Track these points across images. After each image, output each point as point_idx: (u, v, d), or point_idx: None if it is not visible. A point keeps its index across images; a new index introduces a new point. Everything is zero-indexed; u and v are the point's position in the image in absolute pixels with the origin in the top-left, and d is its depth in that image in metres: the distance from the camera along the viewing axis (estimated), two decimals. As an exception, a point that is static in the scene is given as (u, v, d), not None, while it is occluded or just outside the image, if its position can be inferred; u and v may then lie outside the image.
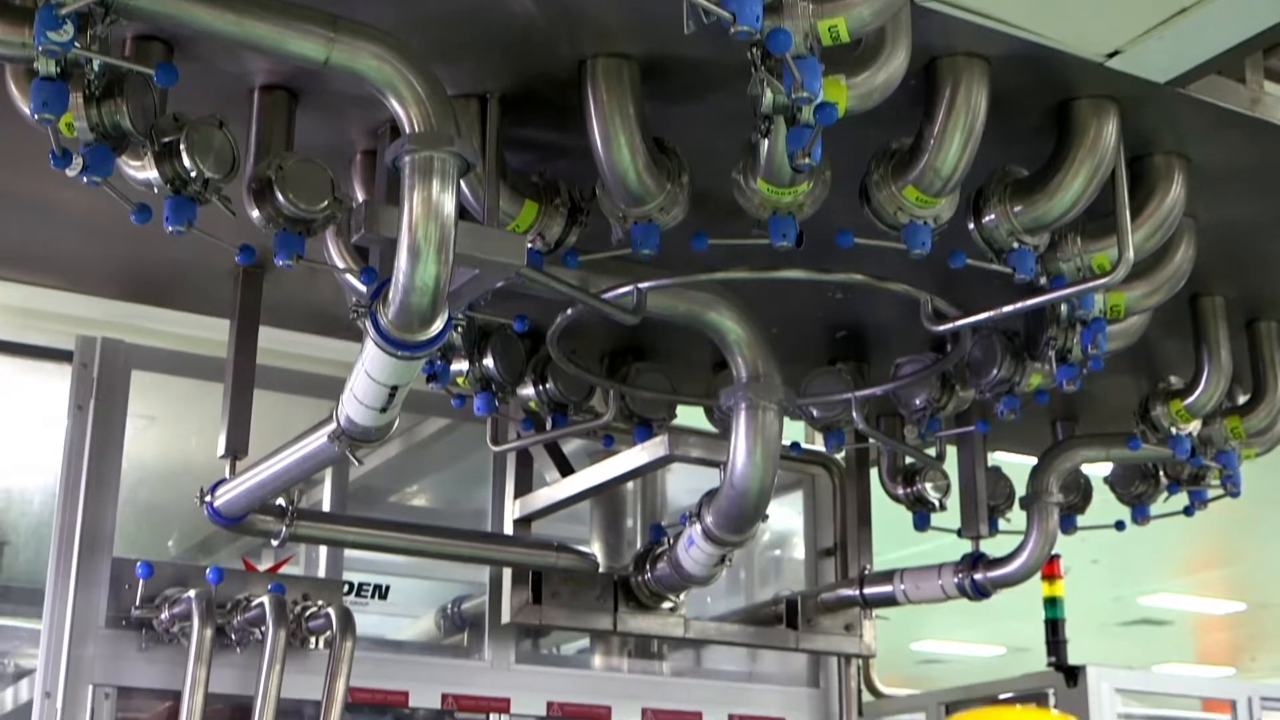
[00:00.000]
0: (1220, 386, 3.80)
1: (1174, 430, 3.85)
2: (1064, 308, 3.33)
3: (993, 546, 4.22)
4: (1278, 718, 5.77)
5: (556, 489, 4.06)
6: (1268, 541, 10.63)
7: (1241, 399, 4.07)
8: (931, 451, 4.18)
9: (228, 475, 3.53)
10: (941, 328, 3.17)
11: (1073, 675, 4.78)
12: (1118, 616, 13.12)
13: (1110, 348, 3.41)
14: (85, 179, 2.49)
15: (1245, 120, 2.94)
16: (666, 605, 4.17)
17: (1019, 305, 3.11)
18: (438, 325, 2.49)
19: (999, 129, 2.80)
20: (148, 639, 3.71)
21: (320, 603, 3.80)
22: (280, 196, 2.64)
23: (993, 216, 2.96)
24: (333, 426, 2.93)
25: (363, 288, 2.92)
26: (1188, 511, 4.54)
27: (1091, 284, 3.08)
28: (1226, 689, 5.84)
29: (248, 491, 3.46)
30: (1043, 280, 3.10)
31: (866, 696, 4.92)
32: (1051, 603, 4.80)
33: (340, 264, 3.15)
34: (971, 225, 2.99)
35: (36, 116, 2.35)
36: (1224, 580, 12.45)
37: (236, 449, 3.53)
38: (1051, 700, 4.92)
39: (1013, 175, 2.99)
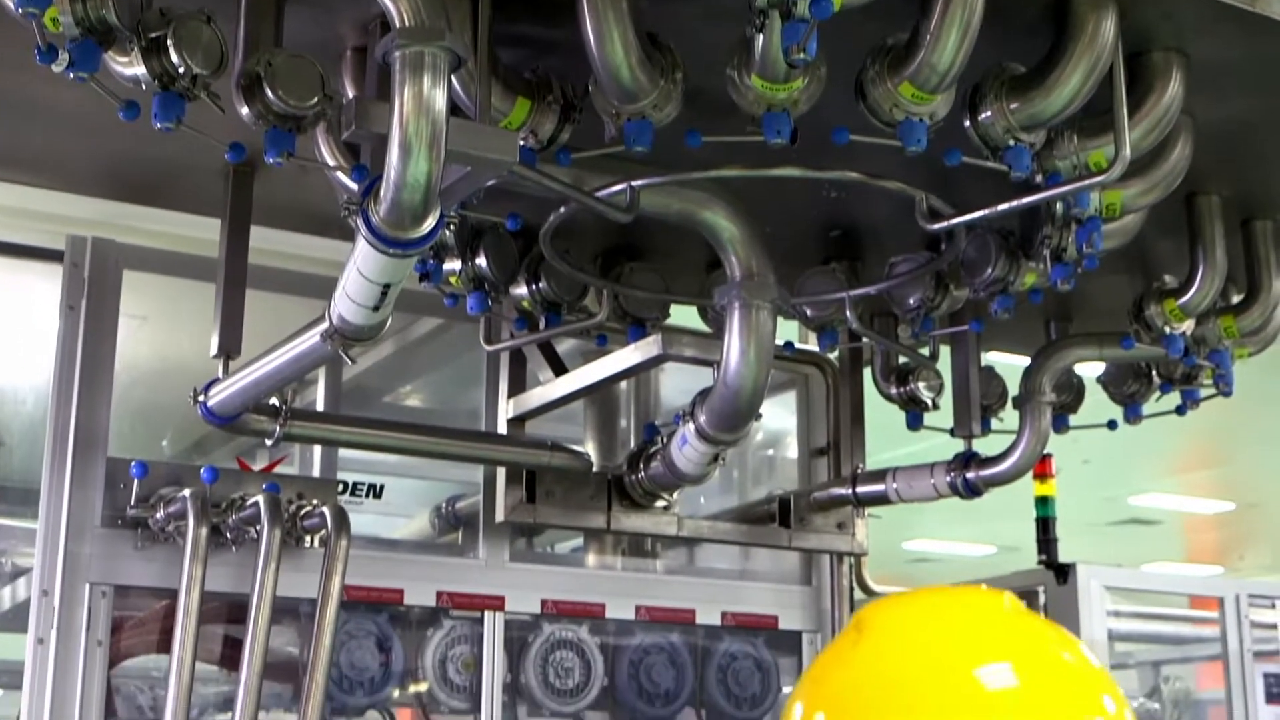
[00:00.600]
0: (1214, 286, 3.79)
1: (1167, 329, 3.86)
2: (1059, 206, 3.32)
3: (985, 446, 4.24)
4: (1265, 614, 5.83)
5: (550, 388, 4.06)
6: (1258, 442, 10.70)
7: (1235, 298, 4.07)
8: (925, 351, 4.18)
9: (221, 375, 3.53)
10: (936, 226, 3.16)
11: (1063, 573, 4.82)
12: (1108, 516, 13.23)
13: (1105, 247, 3.41)
14: (72, 75, 2.46)
15: (1244, 16, 2.90)
16: (660, 504, 4.19)
17: (1014, 203, 3.10)
18: (429, 223, 2.47)
19: (996, 25, 2.77)
20: (143, 538, 3.73)
21: (315, 502, 3.82)
22: (270, 93, 2.61)
23: (989, 113, 2.93)
24: (325, 325, 2.92)
25: (354, 185, 2.90)
26: (1180, 411, 4.56)
27: (1087, 181, 3.06)
28: (1215, 587, 5.91)
29: (241, 391, 3.46)
30: (1038, 178, 3.08)
31: (858, 594, 4.96)
32: (1043, 501, 4.83)
33: (331, 162, 3.12)
34: (967, 122, 2.96)
35: (21, 11, 2.32)
36: (1214, 480, 12.54)
37: (229, 349, 3.53)
38: (1041, 598, 4.97)
39: (1009, 72, 2.96)
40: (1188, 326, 3.91)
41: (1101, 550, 11.38)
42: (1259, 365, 4.46)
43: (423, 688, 4.13)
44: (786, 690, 4.62)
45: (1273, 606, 5.86)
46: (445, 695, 4.11)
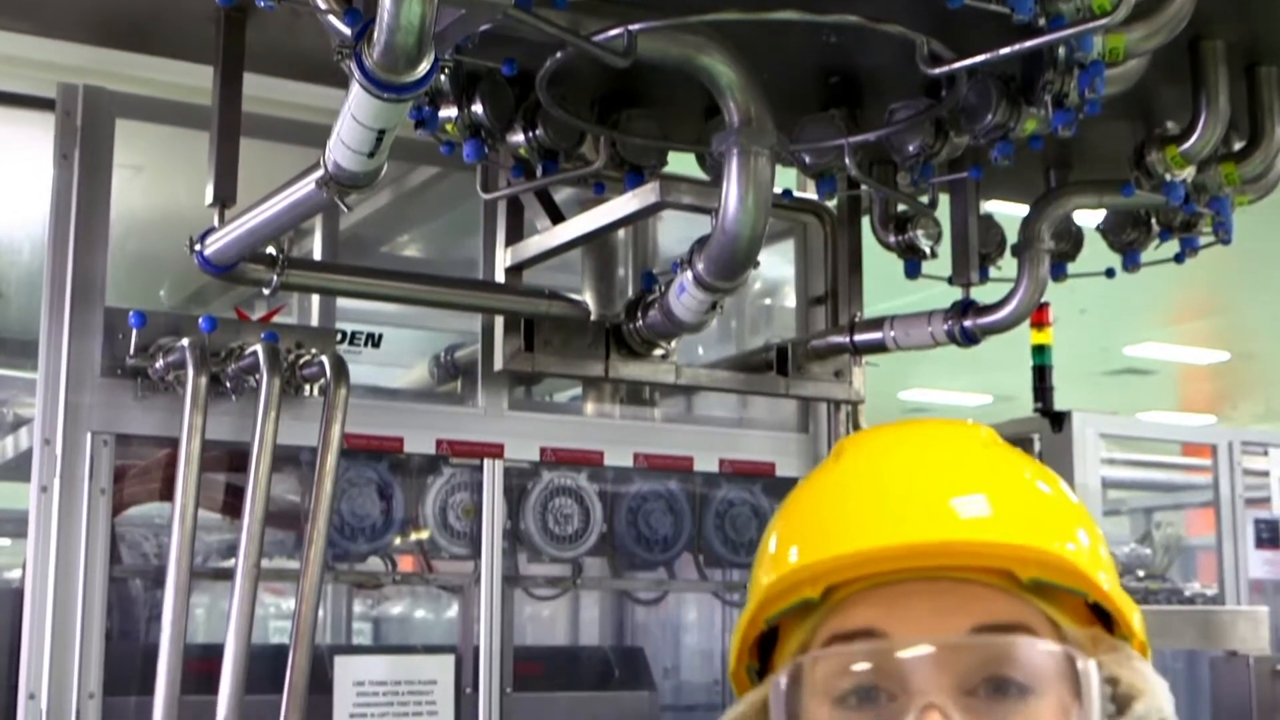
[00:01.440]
0: (1216, 132, 3.76)
1: (1168, 176, 3.83)
2: (1062, 50, 3.27)
3: (983, 296, 4.24)
4: (1257, 461, 5.88)
5: (547, 236, 4.05)
6: (1254, 292, 10.70)
7: (1237, 145, 4.04)
8: (924, 199, 4.16)
9: (216, 223, 3.51)
10: (937, 71, 3.13)
11: (1058, 420, 4.85)
12: (1103, 366, 13.28)
13: (1107, 92, 3.37)
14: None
15: None
16: (658, 352, 4.20)
17: (1016, 47, 3.06)
18: (424, 67, 2.44)
19: None
20: (143, 388, 3.74)
21: (314, 351, 3.82)
22: (260, -66, 2.57)
23: (991, -46, 2.89)
24: (320, 173, 2.90)
25: (347, 30, 2.85)
26: (1178, 259, 4.55)
27: (1091, 24, 3.02)
28: (1208, 434, 5.95)
29: (237, 239, 3.45)
30: (1041, 22, 3.04)
31: (854, 442, 4.98)
32: (1039, 350, 4.84)
33: (323, 5, 3.07)
34: (969, -37, 2.92)
35: None
36: (1209, 330, 12.57)
37: (224, 197, 3.51)
38: (1036, 446, 5.00)
39: (1011, -88, 2.91)
40: (1188, 173, 3.88)
41: (1096, 400, 11.44)
42: (1258, 215, 4.45)
43: (424, 535, 4.18)
44: (783, 536, 4.67)
45: (1265, 454, 5.92)
46: (446, 541, 4.16)
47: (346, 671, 3.95)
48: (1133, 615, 1.01)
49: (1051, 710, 0.95)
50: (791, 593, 1.01)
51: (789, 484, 4.62)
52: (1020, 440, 4.70)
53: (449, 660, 4.10)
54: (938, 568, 0.99)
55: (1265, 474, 5.93)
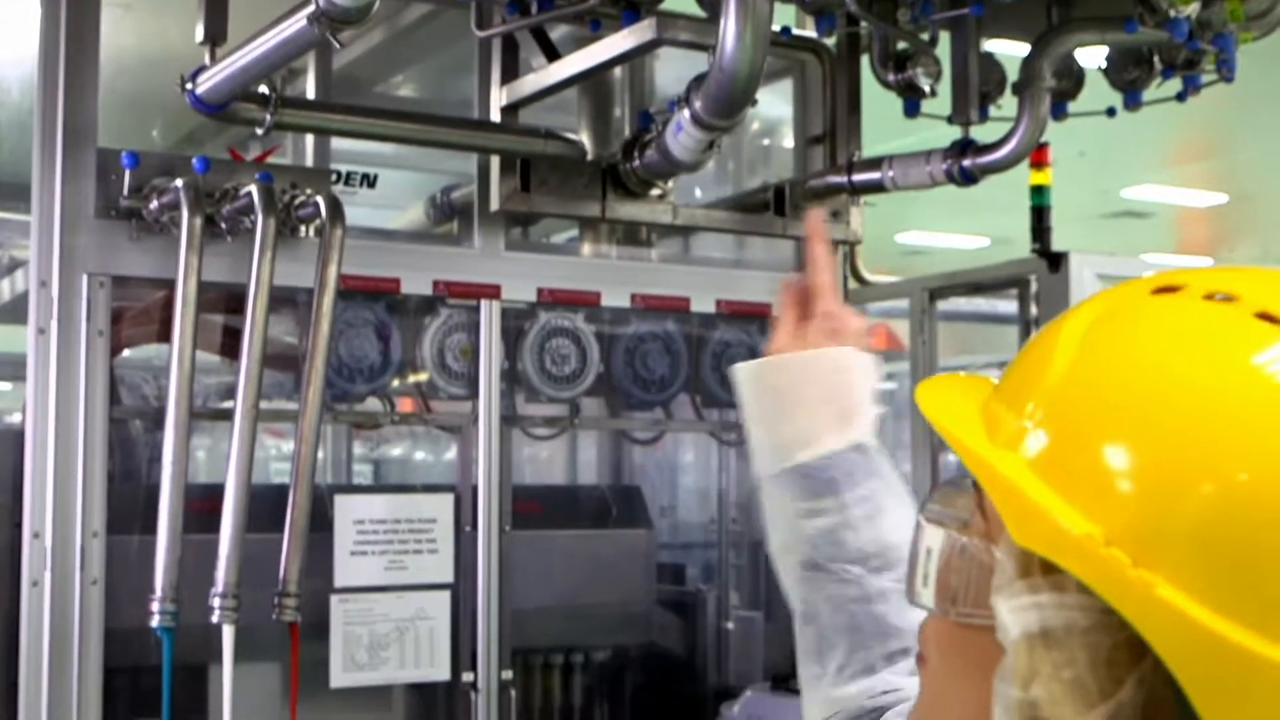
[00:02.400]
0: (1221, -34, 3.71)
1: (1172, 12, 3.78)
2: (1066, -120, 3.21)
3: (982, 136, 4.20)
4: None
5: (543, 75, 4.00)
6: (1254, 133, 10.63)
7: (1242, -20, 3.98)
8: (924, 36, 4.10)
9: (208, 61, 3.47)
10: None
11: (1055, 261, 4.83)
12: (1101, 209, 13.24)
13: (1112, -76, 3.31)
14: None
15: None
16: (655, 192, 4.18)
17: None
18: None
19: None
20: (138, 229, 3.72)
21: (309, 191, 3.80)
22: None
23: None
24: (312, 8, 2.86)
25: None
26: (1180, 97, 4.50)
27: None
28: (1205, 275, 5.94)
29: (229, 77, 3.41)
30: None
31: (852, 284, 4.99)
32: (1038, 190, 4.80)
33: None
34: None
35: None
36: (1208, 172, 12.51)
37: (215, 34, 3.46)
38: (1033, 287, 5.00)
39: None
40: (1192, 9, 3.83)
41: (1093, 243, 11.42)
42: (1259, 56, 4.40)
43: (422, 377, 4.20)
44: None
45: (1261, 295, 5.92)
46: (444, 382, 4.18)
47: (347, 510, 4.00)
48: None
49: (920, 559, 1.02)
50: None
51: (786, 325, 4.63)
52: (1018, 281, 4.69)
53: (448, 499, 4.14)
54: None
55: (1261, 315, 5.94)
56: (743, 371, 1.58)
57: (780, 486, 1.49)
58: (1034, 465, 0.90)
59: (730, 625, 4.76)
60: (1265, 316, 0.89)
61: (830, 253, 1.63)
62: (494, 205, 4.09)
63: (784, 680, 4.21)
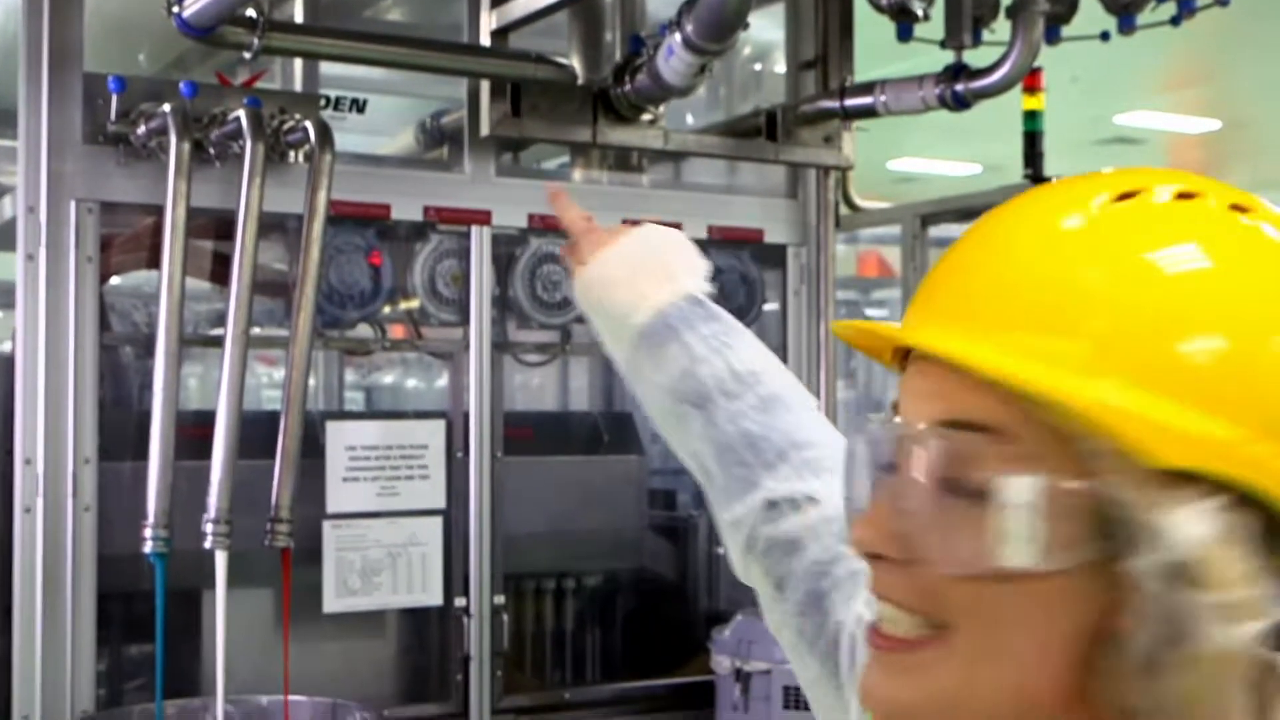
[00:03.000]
0: (1220, -114, 3.67)
1: (1167, -66, 3.75)
2: None
3: (975, 61, 4.17)
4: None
5: (533, -1, 3.96)
6: (1248, 59, 10.57)
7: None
8: (917, -41, 4.07)
9: (195, -16, 3.44)
10: None
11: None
12: (1093, 135, 13.19)
13: None
14: None
15: None
16: (646, 118, 4.16)
17: None
18: None
19: None
20: (126, 155, 3.70)
21: (297, 116, 3.77)
22: None
23: None
24: (300, -71, 2.83)
25: None
26: (1174, 21, 4.48)
27: None
28: (1197, 201, 5.93)
29: (216, 0, 3.37)
30: None
31: (843, 210, 4.97)
32: (1031, 115, 4.78)
33: None
34: None
35: None
36: (1201, 98, 12.45)
37: (202, -43, 3.42)
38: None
39: None
40: (1188, -69, 3.80)
41: (1085, 169, 11.36)
42: (1257, -26, 4.36)
43: (413, 304, 4.19)
44: (772, 304, 4.69)
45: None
46: (435, 309, 4.17)
47: (338, 436, 4.00)
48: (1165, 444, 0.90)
49: (1002, 516, 0.89)
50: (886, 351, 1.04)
51: (778, 251, 4.63)
52: (1009, 207, 4.68)
53: (440, 425, 4.15)
54: None
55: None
56: (578, 292, 1.67)
57: (636, 365, 1.56)
58: (1131, 384, 0.89)
59: (721, 550, 4.76)
60: (1236, 208, 0.94)
61: (570, 202, 1.81)
62: (484, 131, 4.06)
63: (775, 605, 4.23)
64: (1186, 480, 0.88)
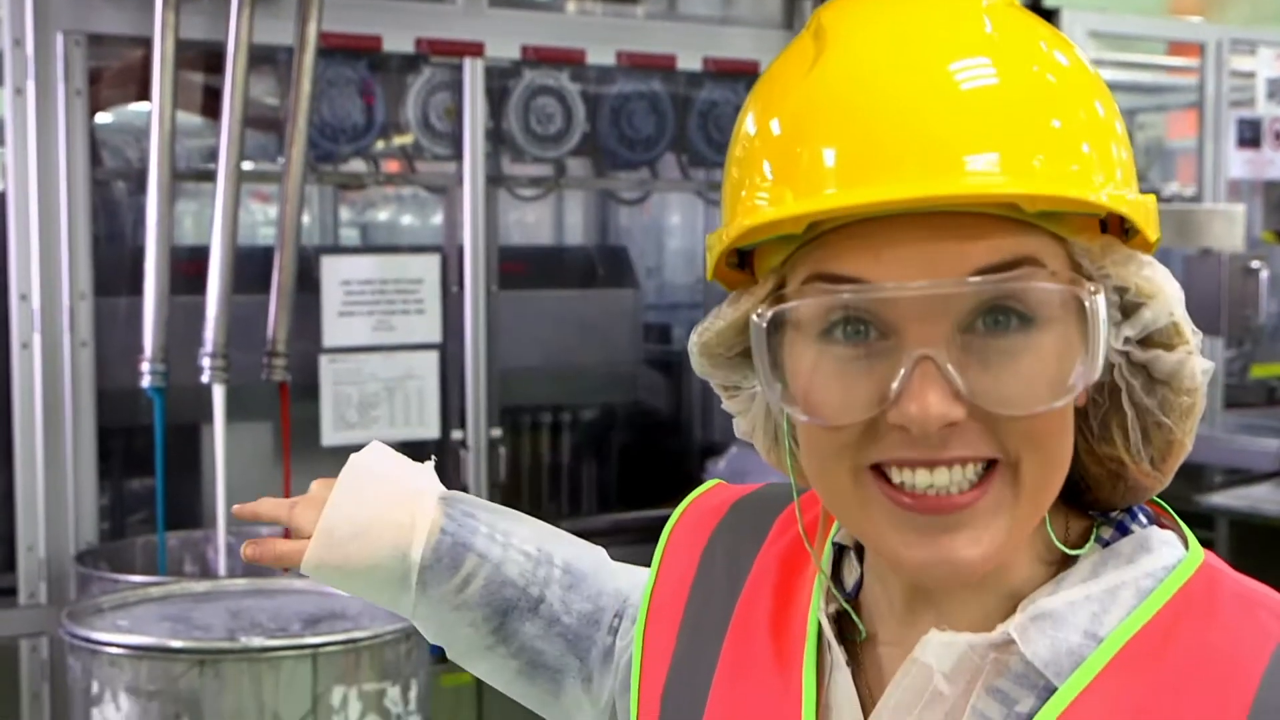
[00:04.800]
0: None
1: None
2: None
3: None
4: (1245, 62, 5.82)
5: None
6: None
7: None
8: None
9: None
10: None
11: (1048, 18, 4.76)
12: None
13: None
14: None
15: None
16: (640, -54, 4.09)
17: None
18: None
19: None
20: (112, -15, 3.65)
21: (285, -55, 3.71)
22: None
23: None
24: None
25: None
26: None
27: None
28: (1197, 32, 5.86)
29: None
30: None
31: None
32: (1030, -58, 4.72)
33: None
34: None
35: None
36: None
37: None
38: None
39: None
40: None
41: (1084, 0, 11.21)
42: None
43: (407, 139, 4.16)
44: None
45: (1253, 52, 5.84)
46: (428, 143, 4.14)
47: (333, 271, 4.00)
48: (1148, 222, 0.97)
49: (1054, 342, 0.91)
50: (771, 230, 0.93)
51: (773, 83, 4.57)
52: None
53: (434, 260, 4.14)
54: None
55: (1250, 75, 5.88)
56: (314, 569, 1.35)
57: (427, 602, 1.33)
58: (1119, 183, 0.95)
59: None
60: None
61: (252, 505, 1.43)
62: (475, -42, 4.00)
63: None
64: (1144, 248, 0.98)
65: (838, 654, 1.03)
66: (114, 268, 3.78)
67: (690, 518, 1.22)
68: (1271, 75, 5.87)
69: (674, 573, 1.19)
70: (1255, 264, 5.11)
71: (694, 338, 1.05)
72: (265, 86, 4.01)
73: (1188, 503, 4.69)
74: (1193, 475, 5.08)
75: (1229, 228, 5.18)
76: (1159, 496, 1.04)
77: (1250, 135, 5.76)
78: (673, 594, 1.18)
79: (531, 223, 5.98)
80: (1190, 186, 6.06)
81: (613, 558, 1.39)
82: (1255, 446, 5.10)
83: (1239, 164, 5.72)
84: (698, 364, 1.06)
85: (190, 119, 4.02)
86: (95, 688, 2.69)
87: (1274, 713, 0.90)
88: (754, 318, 0.95)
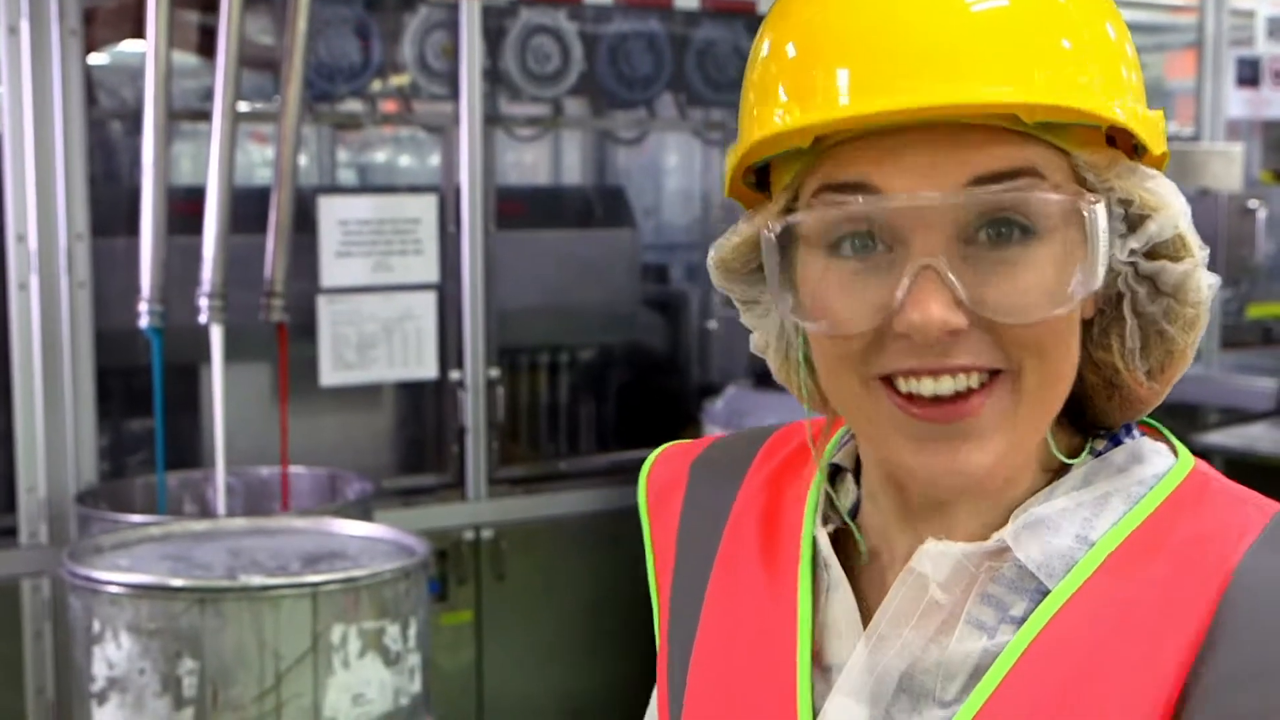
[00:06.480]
0: None
1: None
2: None
3: None
4: (1245, 0, 5.79)
5: None
6: None
7: None
8: None
9: None
10: None
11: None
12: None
13: None
14: None
15: None
16: (637, -117, 4.06)
17: None
18: None
19: None
20: (105, -77, 3.63)
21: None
22: None
23: None
24: None
25: None
26: None
27: None
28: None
29: None
30: None
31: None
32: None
33: None
34: None
35: None
36: None
37: None
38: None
39: None
40: None
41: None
42: None
43: (404, 80, 4.14)
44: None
45: (1253, -10, 5.82)
46: (425, 82, 4.13)
47: (331, 211, 4.00)
48: (1152, 136, 0.98)
49: (1054, 252, 0.93)
50: (779, 143, 0.97)
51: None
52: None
53: (432, 200, 4.14)
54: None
55: (1250, 14, 5.85)
56: None
57: None
58: (1131, 99, 0.98)
59: (713, 324, 4.82)
60: None
61: None
62: (471, -102, 3.97)
63: (767, 376, 4.29)
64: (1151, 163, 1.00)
65: (836, 570, 1.05)
66: (111, 208, 3.77)
67: (656, 487, 1.22)
68: (1271, 14, 5.85)
69: (664, 548, 1.20)
70: (1253, 204, 5.10)
71: (712, 253, 1.08)
72: (261, 25, 3.99)
73: (1184, 441, 4.69)
74: (1189, 414, 5.10)
75: (1227, 167, 5.18)
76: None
77: (1249, 74, 5.75)
78: (665, 566, 1.19)
79: (529, 163, 5.97)
80: (1189, 126, 6.05)
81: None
82: (1251, 386, 5.11)
83: (1238, 103, 5.71)
84: (716, 278, 1.09)
85: (186, 59, 4.00)
86: (96, 626, 2.71)
87: (1247, 591, 0.91)
88: (764, 231, 0.99)
